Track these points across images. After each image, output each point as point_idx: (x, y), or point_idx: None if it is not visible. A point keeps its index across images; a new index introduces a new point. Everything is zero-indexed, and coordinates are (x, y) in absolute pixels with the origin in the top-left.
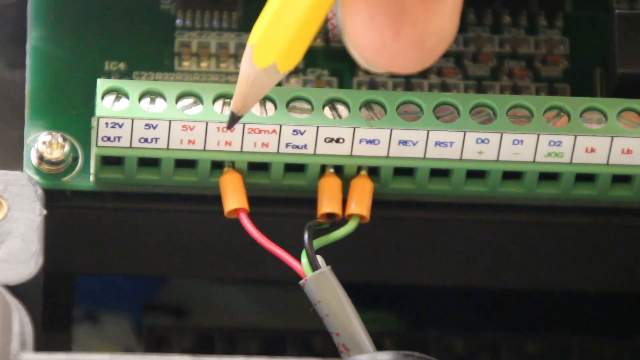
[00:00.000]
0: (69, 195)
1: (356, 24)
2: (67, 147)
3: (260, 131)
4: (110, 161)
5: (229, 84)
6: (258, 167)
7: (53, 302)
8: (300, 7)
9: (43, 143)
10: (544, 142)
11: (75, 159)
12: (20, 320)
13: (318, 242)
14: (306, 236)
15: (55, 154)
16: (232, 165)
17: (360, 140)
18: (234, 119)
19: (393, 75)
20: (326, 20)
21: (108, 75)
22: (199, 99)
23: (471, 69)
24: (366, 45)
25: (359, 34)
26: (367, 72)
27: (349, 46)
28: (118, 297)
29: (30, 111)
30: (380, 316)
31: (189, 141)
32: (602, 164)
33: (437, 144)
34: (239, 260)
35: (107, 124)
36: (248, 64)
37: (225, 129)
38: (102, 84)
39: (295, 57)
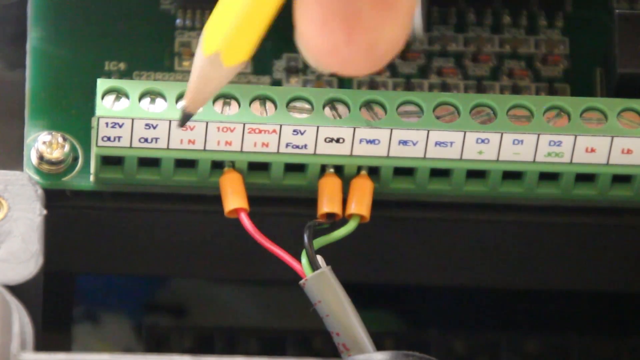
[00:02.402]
0: (69, 195)
1: (309, 26)
2: (67, 147)
3: (260, 131)
4: (110, 161)
5: (229, 84)
6: (258, 167)
7: (53, 302)
8: None
9: (43, 143)
10: (544, 142)
11: (75, 159)
12: (20, 320)
13: (318, 242)
14: (306, 236)
15: (55, 153)
16: (232, 165)
17: (360, 140)
18: (184, 116)
19: (393, 75)
20: None
21: (108, 75)
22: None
23: (471, 69)
24: (317, 47)
25: (311, 37)
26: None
27: (299, 46)
28: (118, 297)
29: (30, 111)
30: (380, 316)
31: (189, 141)
32: (602, 164)
33: (437, 144)
34: (239, 260)
35: (107, 124)
36: (198, 52)
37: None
38: (102, 84)
39: (242, 51)
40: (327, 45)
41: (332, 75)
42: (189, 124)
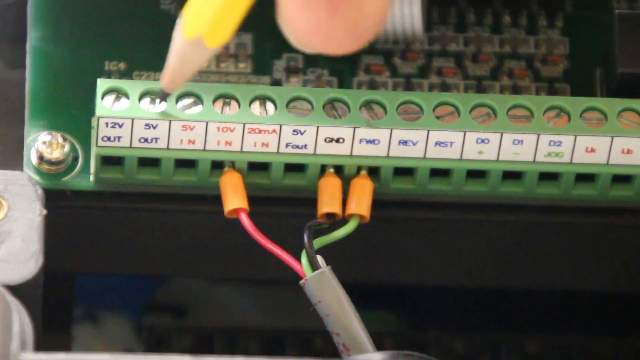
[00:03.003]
0: (69, 195)
1: (291, 5)
2: (67, 147)
3: (260, 131)
4: (110, 161)
5: (229, 84)
6: (258, 167)
7: (53, 302)
8: None
9: (43, 143)
10: (544, 142)
11: (75, 159)
12: (20, 320)
13: (318, 242)
14: (306, 236)
15: (55, 153)
16: (232, 165)
17: (360, 140)
18: (163, 96)
19: (393, 75)
20: None
21: (108, 75)
22: (199, 99)
23: (471, 69)
24: (300, 26)
25: (294, 15)
26: (367, 72)
27: (282, 26)
28: (118, 297)
29: (30, 111)
30: (380, 316)
31: (189, 141)
32: (602, 164)
33: (437, 144)
34: (239, 260)
35: (107, 123)
36: (177, 35)
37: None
38: (102, 84)
39: (223, 33)
40: (310, 23)
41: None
42: (189, 124)
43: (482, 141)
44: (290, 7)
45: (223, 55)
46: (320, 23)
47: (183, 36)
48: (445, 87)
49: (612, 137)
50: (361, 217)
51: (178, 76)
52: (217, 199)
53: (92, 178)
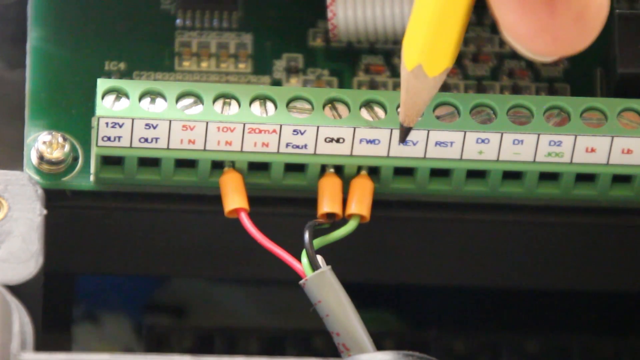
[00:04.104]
0: (69, 195)
1: (509, 13)
2: (67, 147)
3: (260, 131)
4: (110, 161)
5: (229, 84)
6: (258, 167)
7: (53, 302)
8: (432, 3)
9: (43, 143)
10: (544, 142)
11: (76, 159)
12: (20, 320)
13: (318, 242)
14: (306, 236)
15: (56, 153)
16: (232, 165)
17: (361, 140)
18: (404, 131)
19: (393, 75)
20: (326, 20)
21: (108, 75)
22: (199, 99)
23: (471, 69)
24: (524, 32)
25: (515, 25)
26: (367, 72)
27: (507, 39)
28: (118, 297)
29: (30, 111)
30: (380, 316)
31: (189, 141)
32: (602, 164)
33: (437, 144)
34: (239, 260)
35: (107, 123)
36: (402, 68)
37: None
38: (102, 84)
39: (442, 59)
40: (533, 27)
41: (392, 75)
42: (189, 124)
43: (482, 141)
44: (509, 19)
45: (223, 55)
46: (544, 24)
47: (405, 67)
48: (445, 87)
49: (612, 137)
50: (361, 217)
51: (412, 109)
52: (217, 199)
53: (92, 178)
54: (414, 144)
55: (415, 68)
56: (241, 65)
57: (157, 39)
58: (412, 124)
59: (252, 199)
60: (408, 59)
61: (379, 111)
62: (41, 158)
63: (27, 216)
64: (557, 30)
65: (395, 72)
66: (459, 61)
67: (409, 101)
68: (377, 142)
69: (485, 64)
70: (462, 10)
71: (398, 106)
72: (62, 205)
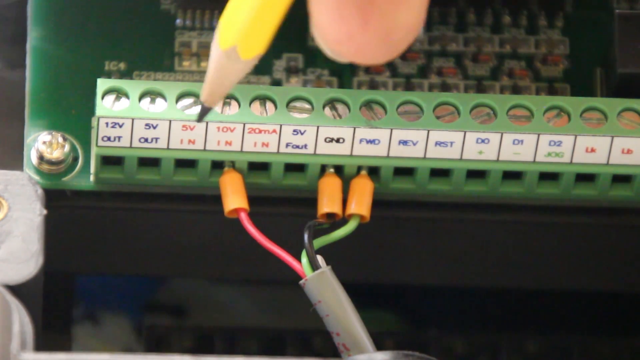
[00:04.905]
0: (69, 195)
1: (324, 14)
2: (67, 147)
3: (260, 131)
4: (110, 161)
5: None
6: (258, 167)
7: (53, 302)
8: None
9: (43, 143)
10: (544, 142)
11: (76, 159)
12: (20, 320)
13: (318, 242)
14: (306, 236)
15: (56, 153)
16: (232, 165)
17: (361, 140)
18: (203, 110)
19: (393, 75)
20: None
21: (108, 75)
22: (199, 99)
23: (471, 69)
24: (333, 36)
25: (326, 25)
26: (367, 72)
27: (315, 36)
28: (118, 297)
29: (30, 111)
30: (380, 316)
31: (189, 141)
32: (602, 164)
33: (437, 144)
34: (239, 260)
35: (107, 123)
36: (213, 46)
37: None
38: (102, 84)
39: (258, 44)
40: (342, 33)
41: (392, 75)
42: (189, 123)
43: (482, 141)
44: (322, 19)
45: None
46: (353, 34)
47: (218, 46)
48: (445, 87)
49: (612, 137)
50: (361, 217)
51: (217, 89)
52: (217, 199)
53: (92, 178)
54: (414, 144)
55: (230, 49)
56: None
57: (157, 39)
58: (215, 104)
59: (252, 199)
60: (223, 39)
61: (379, 111)
62: (41, 158)
63: (27, 216)
64: (364, 43)
65: (395, 72)
66: (459, 61)
67: (216, 81)
68: (377, 142)
69: (485, 64)
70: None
71: (398, 106)
72: (62, 205)
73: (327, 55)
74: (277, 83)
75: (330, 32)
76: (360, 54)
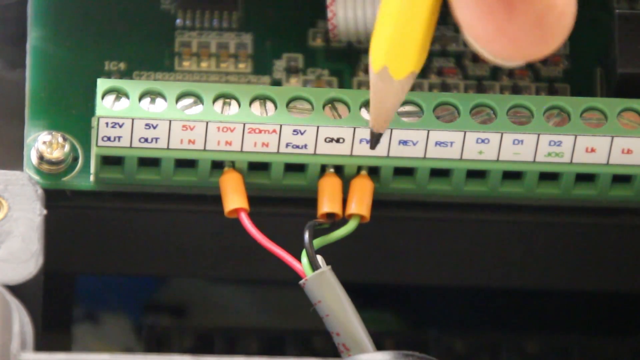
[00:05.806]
0: (69, 195)
1: (467, 14)
2: (67, 147)
3: (260, 131)
4: (110, 161)
5: (229, 84)
6: (258, 167)
7: (53, 302)
8: (394, 4)
9: (43, 143)
10: (544, 142)
11: (76, 159)
12: (20, 320)
13: (318, 242)
14: (306, 236)
15: (56, 153)
16: (232, 165)
17: (361, 140)
18: (373, 137)
19: None
20: (326, 20)
21: (108, 75)
22: (199, 99)
23: (471, 69)
24: (482, 34)
25: (473, 25)
26: (367, 72)
27: (467, 39)
28: (118, 297)
29: (30, 111)
30: (380, 316)
31: (189, 141)
32: (602, 164)
33: (437, 144)
34: (239, 260)
35: (107, 123)
36: (370, 70)
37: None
38: (102, 84)
39: (407, 62)
40: (490, 28)
41: (334, 74)
42: (189, 124)
43: (482, 141)
44: (467, 19)
45: (223, 55)
46: (501, 25)
47: (372, 68)
48: (445, 87)
49: (612, 137)
50: (361, 217)
51: (379, 113)
52: (217, 199)
53: (92, 178)
54: (414, 144)
55: (381, 70)
56: (241, 65)
57: (157, 39)
58: (382, 130)
59: (252, 199)
60: (374, 61)
61: None
62: (41, 158)
63: (27, 216)
64: (515, 33)
65: None
66: (459, 61)
67: (377, 105)
68: None
69: (485, 64)
70: (425, 12)
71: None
72: (62, 205)
73: (489, 60)
74: (277, 83)
75: (479, 31)
76: (515, 47)
